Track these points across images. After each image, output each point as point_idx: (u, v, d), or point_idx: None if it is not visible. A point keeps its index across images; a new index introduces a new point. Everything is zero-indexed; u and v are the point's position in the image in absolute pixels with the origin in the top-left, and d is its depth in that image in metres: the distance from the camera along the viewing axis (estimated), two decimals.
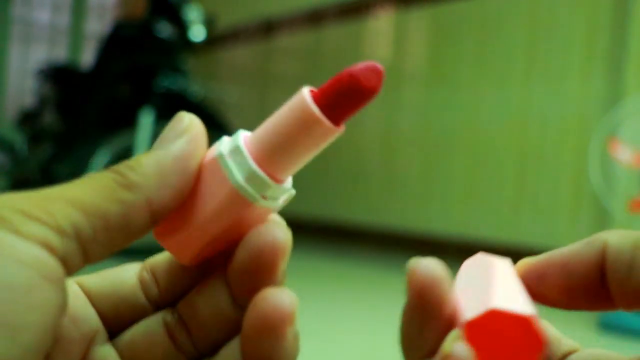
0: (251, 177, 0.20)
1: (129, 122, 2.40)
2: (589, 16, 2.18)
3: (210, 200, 0.21)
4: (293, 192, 0.22)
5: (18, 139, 2.76)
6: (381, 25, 2.92)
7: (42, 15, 3.99)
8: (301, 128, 0.20)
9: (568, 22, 2.23)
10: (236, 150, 0.21)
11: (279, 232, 0.20)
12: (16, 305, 0.16)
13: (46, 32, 3.98)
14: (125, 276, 0.22)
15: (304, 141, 0.21)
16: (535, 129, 2.30)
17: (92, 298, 0.22)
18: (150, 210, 0.19)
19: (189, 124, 0.21)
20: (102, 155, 2.43)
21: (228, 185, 0.20)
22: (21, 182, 2.73)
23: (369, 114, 2.82)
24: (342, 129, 0.21)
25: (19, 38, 3.83)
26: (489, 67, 2.46)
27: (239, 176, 0.20)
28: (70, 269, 0.18)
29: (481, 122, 2.47)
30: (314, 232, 3.04)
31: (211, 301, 0.22)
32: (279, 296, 0.19)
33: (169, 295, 0.23)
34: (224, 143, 0.21)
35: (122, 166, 0.20)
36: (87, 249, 0.18)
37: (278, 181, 0.21)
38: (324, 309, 1.62)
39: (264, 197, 0.21)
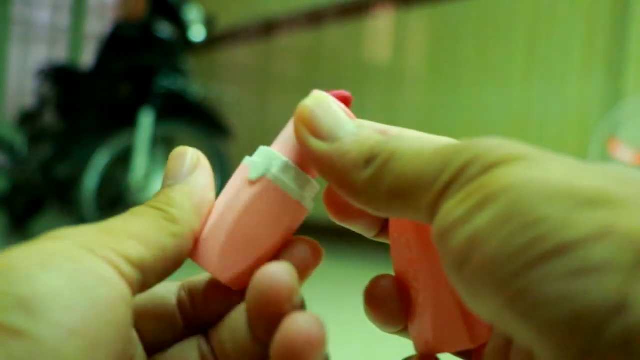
0: (306, 186, 0.22)
1: (129, 122, 2.40)
2: (589, 16, 2.18)
3: (276, 224, 0.21)
4: (317, 187, 0.23)
5: (18, 139, 2.76)
6: (381, 25, 2.92)
7: (42, 15, 3.99)
8: None
9: (568, 22, 2.23)
10: (286, 167, 0.22)
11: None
12: (98, 319, 0.16)
13: (46, 32, 3.98)
14: (167, 296, 0.23)
15: None
16: (535, 129, 2.30)
17: (136, 316, 0.22)
18: (194, 238, 0.21)
19: (197, 157, 0.23)
20: (102, 155, 2.43)
21: (295, 204, 0.22)
22: (21, 182, 2.73)
23: (369, 114, 2.82)
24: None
25: (19, 38, 3.82)
26: (489, 67, 2.46)
27: (300, 191, 0.22)
28: (133, 295, 0.19)
29: (481, 122, 2.47)
30: (313, 232, 3.04)
31: (235, 335, 0.22)
32: (308, 322, 0.19)
33: (203, 318, 0.23)
34: (261, 162, 0.22)
35: (159, 203, 0.21)
36: (147, 278, 0.19)
37: (314, 177, 0.23)
38: (323, 309, 1.62)
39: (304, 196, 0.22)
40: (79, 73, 2.80)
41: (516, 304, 0.15)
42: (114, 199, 2.51)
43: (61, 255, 0.17)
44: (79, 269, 0.17)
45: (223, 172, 2.41)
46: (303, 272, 0.22)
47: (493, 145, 0.17)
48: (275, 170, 0.22)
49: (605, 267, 0.14)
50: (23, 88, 3.63)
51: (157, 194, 0.22)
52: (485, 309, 0.16)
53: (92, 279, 0.17)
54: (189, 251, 0.21)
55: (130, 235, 0.19)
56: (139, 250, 0.19)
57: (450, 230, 0.17)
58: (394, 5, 2.85)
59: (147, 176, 2.41)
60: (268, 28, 3.43)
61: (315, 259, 0.22)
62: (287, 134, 0.23)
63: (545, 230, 0.15)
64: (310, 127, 0.21)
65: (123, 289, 0.18)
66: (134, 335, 0.22)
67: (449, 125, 2.58)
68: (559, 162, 0.17)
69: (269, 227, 0.21)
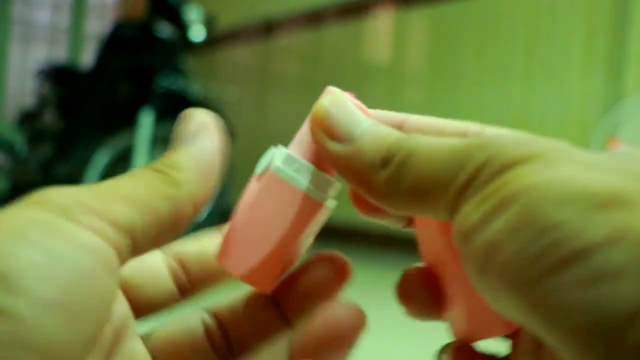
0: (315, 178, 0.21)
1: (129, 122, 2.40)
2: (589, 16, 2.18)
3: (283, 216, 0.21)
4: (339, 185, 0.23)
5: (18, 139, 2.76)
6: (381, 25, 2.92)
7: (42, 15, 3.99)
8: None
9: (568, 22, 2.23)
10: (289, 159, 0.22)
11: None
12: (78, 290, 0.16)
13: (46, 32, 3.98)
14: (155, 263, 0.23)
15: None
16: (535, 129, 2.30)
17: (124, 283, 0.22)
18: (193, 204, 0.20)
19: (206, 120, 0.22)
20: (102, 155, 2.43)
21: (299, 194, 0.21)
22: (21, 182, 2.73)
23: None
24: None
25: (19, 38, 3.83)
26: (489, 66, 2.46)
27: (305, 181, 0.21)
28: (121, 261, 0.18)
29: (481, 122, 2.47)
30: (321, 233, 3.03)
31: (257, 318, 0.23)
32: (349, 310, 0.20)
33: (199, 285, 0.23)
34: (265, 158, 0.22)
35: (162, 165, 0.21)
36: (138, 243, 0.19)
37: (332, 175, 0.22)
38: None
39: (328, 196, 0.22)
40: (79, 73, 2.80)
41: (537, 310, 0.15)
42: None
43: (37, 226, 0.17)
44: (57, 240, 0.16)
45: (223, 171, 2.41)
46: (324, 293, 0.21)
47: (507, 143, 0.17)
48: (277, 161, 0.21)
49: (622, 273, 0.14)
50: (23, 88, 3.63)
51: (162, 157, 0.21)
52: (509, 311, 0.16)
53: (70, 248, 0.16)
54: (187, 217, 0.20)
55: (119, 196, 0.19)
56: (127, 213, 0.18)
57: (469, 234, 0.16)
58: (394, 5, 2.85)
59: None
60: (268, 28, 3.43)
61: (340, 279, 0.22)
62: (302, 133, 0.22)
63: (561, 236, 0.14)
64: (326, 129, 0.21)
65: (107, 255, 0.17)
66: (124, 304, 0.21)
67: None
68: (574, 159, 0.16)
69: (276, 220, 0.21)
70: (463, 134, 0.23)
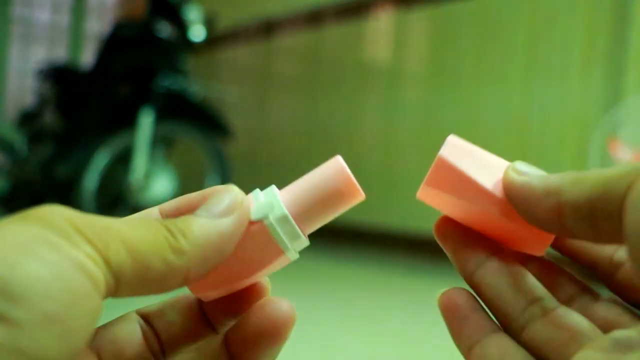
0: (295, 240, 0.23)
1: (129, 122, 2.40)
2: (589, 16, 2.18)
3: (258, 264, 0.23)
4: (307, 243, 0.24)
5: (18, 139, 2.76)
6: (381, 25, 2.92)
7: (42, 15, 3.99)
8: (336, 191, 0.23)
9: (568, 22, 2.23)
10: (284, 220, 0.23)
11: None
12: (74, 307, 0.17)
13: (46, 32, 3.98)
14: (130, 332, 0.24)
15: (337, 203, 0.23)
16: (535, 129, 2.30)
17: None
18: (185, 277, 0.20)
19: (239, 201, 0.22)
20: (102, 155, 2.43)
21: (280, 253, 0.23)
22: (21, 182, 2.73)
23: (369, 114, 2.82)
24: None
25: (19, 38, 3.83)
26: (489, 67, 2.46)
27: (288, 244, 0.23)
28: (104, 296, 0.19)
29: (481, 123, 2.47)
30: (313, 232, 3.02)
31: (188, 323, 0.24)
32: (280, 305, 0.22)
33: (171, 344, 0.24)
34: (264, 204, 0.23)
35: (175, 227, 0.20)
36: (119, 287, 0.19)
37: (304, 233, 0.24)
38: (323, 309, 1.62)
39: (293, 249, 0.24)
40: (79, 73, 2.80)
41: None
42: (114, 199, 2.51)
43: (41, 242, 0.17)
44: (59, 257, 0.17)
45: (223, 172, 2.41)
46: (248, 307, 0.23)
47: None
48: (272, 218, 0.22)
49: None
50: (23, 88, 3.64)
51: (181, 217, 0.21)
52: None
53: (71, 267, 0.17)
54: (173, 285, 0.20)
55: (119, 238, 0.19)
56: (121, 256, 0.19)
57: None
58: (394, 6, 2.85)
59: (147, 176, 2.41)
60: (268, 28, 3.43)
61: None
62: (300, 184, 0.24)
63: None
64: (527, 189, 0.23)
65: (100, 281, 0.18)
66: None
67: (449, 125, 2.58)
68: None
69: (250, 266, 0.23)
70: None
